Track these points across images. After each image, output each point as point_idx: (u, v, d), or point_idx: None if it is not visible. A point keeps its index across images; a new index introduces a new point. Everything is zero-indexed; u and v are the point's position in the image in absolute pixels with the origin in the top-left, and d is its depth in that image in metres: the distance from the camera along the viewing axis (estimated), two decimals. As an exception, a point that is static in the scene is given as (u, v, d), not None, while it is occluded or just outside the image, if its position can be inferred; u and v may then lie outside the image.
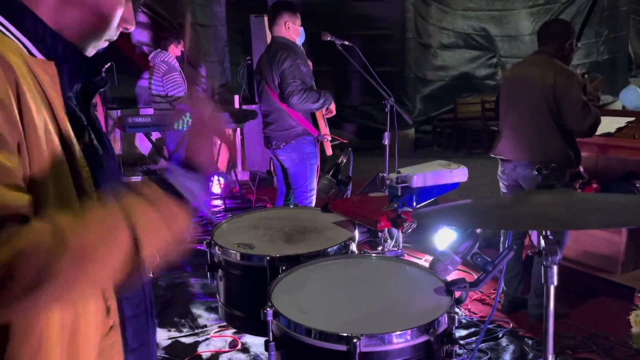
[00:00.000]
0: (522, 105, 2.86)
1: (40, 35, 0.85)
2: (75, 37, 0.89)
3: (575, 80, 2.76)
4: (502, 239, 3.15)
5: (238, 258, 1.65)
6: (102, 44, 0.94)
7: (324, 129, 3.55)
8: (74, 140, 0.85)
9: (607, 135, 3.44)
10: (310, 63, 3.53)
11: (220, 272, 1.72)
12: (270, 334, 1.32)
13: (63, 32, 0.88)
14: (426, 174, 1.69)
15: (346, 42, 3.66)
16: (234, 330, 2.81)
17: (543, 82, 2.76)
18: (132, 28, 0.96)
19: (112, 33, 0.93)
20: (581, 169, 3.71)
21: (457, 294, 1.34)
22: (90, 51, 0.93)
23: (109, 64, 5.01)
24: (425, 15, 8.87)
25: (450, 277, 1.37)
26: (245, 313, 1.65)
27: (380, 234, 1.95)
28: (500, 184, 3.12)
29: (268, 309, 1.28)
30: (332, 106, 3.54)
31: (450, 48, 9.20)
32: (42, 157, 0.78)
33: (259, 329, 1.41)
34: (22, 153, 0.75)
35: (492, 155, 3.12)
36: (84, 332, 0.85)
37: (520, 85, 2.89)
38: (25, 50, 0.84)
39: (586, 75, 2.93)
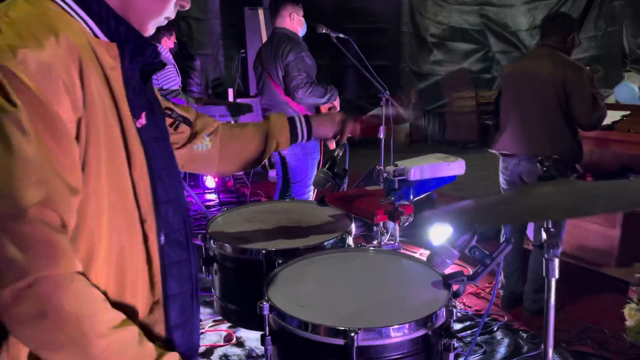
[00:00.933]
0: (530, 99, 2.84)
1: (104, 17, 0.88)
2: (138, 17, 0.92)
3: (585, 74, 2.77)
4: (502, 231, 3.15)
5: (233, 251, 1.63)
6: (162, 21, 0.97)
7: None
8: (131, 120, 0.88)
9: (602, 129, 3.44)
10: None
11: (215, 265, 1.70)
12: (267, 328, 1.30)
13: (126, 12, 0.90)
14: (423, 167, 1.67)
15: (341, 35, 3.63)
16: (229, 324, 2.80)
17: (553, 76, 2.76)
18: (188, 6, 0.98)
19: (171, 11, 0.96)
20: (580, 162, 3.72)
21: (455, 287, 1.33)
22: (151, 29, 0.96)
23: None
24: (421, 9, 8.84)
25: (447, 271, 1.36)
26: (241, 307, 1.64)
27: (375, 227, 1.94)
28: (501, 180, 3.09)
29: (264, 303, 1.26)
30: (337, 102, 3.50)
31: (445, 42, 9.18)
32: (99, 135, 0.82)
33: (255, 323, 1.39)
34: (81, 130, 0.79)
35: (492, 151, 3.09)
36: (129, 305, 0.88)
37: (527, 80, 2.86)
38: (90, 31, 0.87)
39: (587, 68, 2.94)
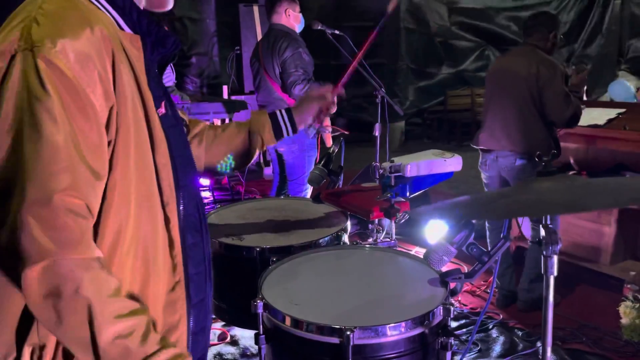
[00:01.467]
0: (506, 95, 2.87)
1: (128, 10, 0.93)
2: None
3: (558, 70, 2.78)
4: (488, 233, 3.14)
5: (227, 250, 1.60)
6: None
7: (325, 120, 3.49)
8: (154, 109, 0.92)
9: (597, 126, 3.44)
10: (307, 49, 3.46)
11: (209, 263, 1.68)
12: (261, 326, 1.28)
13: None
14: (420, 163, 1.65)
15: (336, 32, 3.60)
16: (223, 322, 2.78)
17: (527, 72, 2.79)
18: None
19: None
20: (571, 160, 3.71)
21: (452, 285, 1.31)
22: (171, 2, 1.01)
23: None
24: (417, 6, 8.82)
25: (444, 268, 1.34)
26: (235, 305, 1.62)
27: (371, 225, 1.92)
28: (482, 175, 3.12)
29: (258, 301, 1.24)
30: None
31: (442, 40, 9.17)
32: (128, 123, 0.86)
33: (249, 322, 1.37)
34: (112, 118, 0.83)
35: (473, 146, 3.11)
36: (153, 285, 0.92)
37: (505, 76, 2.90)
38: (116, 24, 0.90)
39: (574, 67, 2.96)
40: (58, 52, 0.78)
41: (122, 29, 0.92)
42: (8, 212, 0.75)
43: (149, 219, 0.91)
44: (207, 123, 1.43)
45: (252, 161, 1.51)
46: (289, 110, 1.48)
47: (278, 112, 1.47)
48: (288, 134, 1.47)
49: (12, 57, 0.78)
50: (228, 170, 1.41)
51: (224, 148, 1.40)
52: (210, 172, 1.41)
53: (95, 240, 0.83)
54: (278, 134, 1.45)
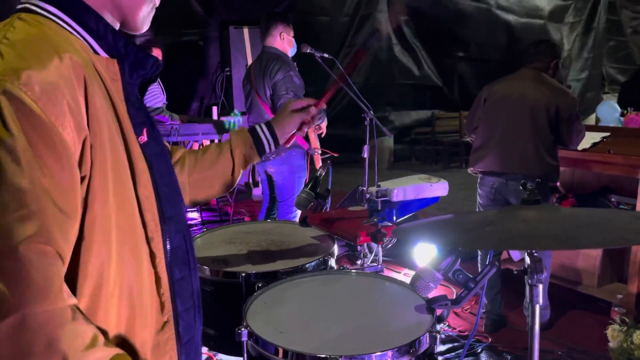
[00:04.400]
0: (519, 120, 2.88)
1: (103, 33, 0.87)
2: (129, 12, 0.91)
3: (576, 101, 2.92)
4: (480, 254, 3.13)
5: (212, 274, 1.58)
6: (151, 12, 0.95)
7: (315, 142, 3.50)
8: (134, 137, 0.87)
9: (583, 150, 3.48)
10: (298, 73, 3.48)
11: (193, 288, 1.65)
12: (245, 354, 1.26)
13: (121, 10, 0.90)
14: (406, 188, 1.65)
15: (325, 55, 3.64)
16: (207, 348, 2.73)
17: (547, 100, 2.84)
18: None
19: None
20: (557, 183, 3.75)
21: (439, 311, 1.30)
22: (144, 23, 0.95)
23: None
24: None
25: (431, 294, 1.33)
26: (219, 332, 1.59)
27: (359, 247, 1.91)
28: (481, 200, 3.09)
29: (243, 329, 1.22)
30: (324, 124, 3.49)
31: (431, 58, 9.28)
32: (105, 154, 0.81)
33: (234, 349, 1.35)
34: (85, 151, 0.78)
35: (473, 170, 3.09)
36: (140, 326, 0.87)
37: (516, 101, 2.90)
38: (90, 48, 0.85)
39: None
40: (22, 85, 0.72)
41: (97, 52, 0.86)
42: None
43: (132, 255, 0.86)
44: (186, 149, 1.37)
45: (241, 182, 1.48)
46: (269, 124, 1.42)
47: (258, 127, 1.40)
48: (270, 148, 1.41)
49: None
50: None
51: (208, 172, 1.33)
52: (196, 202, 1.34)
53: (76, 282, 0.79)
54: (260, 149, 1.39)
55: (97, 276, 0.81)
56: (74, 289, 0.79)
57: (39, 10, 0.84)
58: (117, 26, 0.93)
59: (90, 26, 0.86)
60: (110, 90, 0.85)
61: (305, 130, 1.47)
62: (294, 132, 1.44)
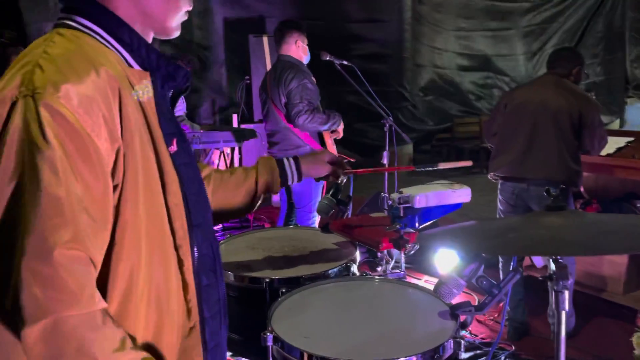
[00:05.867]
0: (542, 126, 2.86)
1: (136, 47, 0.91)
2: (158, 22, 0.94)
3: (600, 108, 2.93)
4: (501, 262, 3.10)
5: (235, 280, 1.60)
6: (184, 16, 0.98)
7: (332, 148, 3.52)
8: (165, 147, 0.90)
9: (607, 155, 3.43)
10: (313, 80, 3.50)
11: (218, 294, 1.67)
12: (270, 359, 1.27)
13: (148, 22, 0.92)
14: (428, 194, 1.66)
15: (345, 62, 3.66)
16: (231, 353, 2.75)
17: (570, 106, 2.82)
18: None
19: (187, 3, 0.96)
20: (581, 188, 3.70)
21: (462, 317, 1.30)
22: (175, 29, 0.97)
23: None
24: (422, 34, 8.96)
25: (454, 300, 1.33)
26: (244, 337, 1.60)
27: (380, 254, 1.91)
28: (501, 206, 3.07)
29: (268, 334, 1.24)
30: (340, 128, 3.50)
31: (445, 66, 9.27)
32: (137, 164, 0.84)
33: (259, 354, 1.36)
34: (118, 161, 0.81)
35: (493, 176, 3.06)
36: (168, 332, 0.89)
37: (537, 107, 2.88)
38: (124, 61, 0.89)
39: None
40: (61, 98, 0.75)
41: (130, 65, 0.90)
42: (12, 268, 0.72)
43: (161, 262, 0.88)
44: (214, 167, 1.41)
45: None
46: (296, 159, 1.47)
47: (285, 160, 1.46)
48: (293, 181, 1.45)
49: (14, 104, 0.75)
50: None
51: (231, 194, 1.36)
52: (219, 217, 1.36)
53: (107, 286, 0.81)
54: (284, 180, 1.44)
55: (126, 281, 0.83)
56: (104, 293, 0.81)
57: (75, 25, 0.88)
58: (150, 36, 0.95)
59: (124, 40, 0.90)
60: (143, 102, 0.88)
61: (332, 180, 1.53)
62: (319, 177, 1.51)
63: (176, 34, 0.98)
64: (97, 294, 0.78)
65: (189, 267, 0.92)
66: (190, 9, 0.98)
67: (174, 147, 0.93)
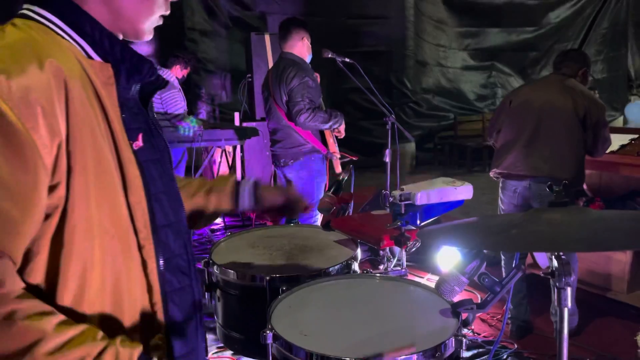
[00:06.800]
0: (546, 124, 2.85)
1: (98, 38, 0.87)
2: (130, 23, 0.91)
3: (605, 109, 2.91)
4: (503, 259, 3.09)
5: (236, 278, 1.60)
6: (158, 20, 0.95)
7: (333, 146, 3.50)
8: (126, 142, 0.86)
9: (611, 152, 3.41)
10: (317, 75, 3.48)
11: (218, 292, 1.67)
12: (270, 357, 1.26)
13: (118, 23, 0.90)
14: (430, 192, 1.65)
15: (347, 59, 3.65)
16: (233, 351, 2.74)
17: (576, 106, 2.81)
18: None
19: (162, 7, 0.94)
20: (585, 186, 3.68)
21: (464, 315, 1.29)
22: (148, 33, 0.94)
23: None
24: (424, 31, 8.93)
25: (456, 298, 1.32)
26: (244, 335, 1.60)
27: (382, 252, 1.91)
28: (503, 205, 3.05)
29: (268, 332, 1.23)
30: (342, 127, 3.48)
31: (448, 65, 9.25)
32: (86, 160, 0.80)
33: (258, 352, 1.35)
34: (61, 156, 0.78)
35: (495, 173, 3.04)
36: (129, 334, 0.85)
37: (542, 105, 2.87)
38: (83, 53, 0.86)
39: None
40: None
41: (90, 57, 0.86)
42: None
43: (121, 262, 0.85)
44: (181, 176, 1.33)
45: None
46: (257, 184, 1.38)
47: (244, 182, 1.37)
48: (244, 207, 1.36)
49: None
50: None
51: (187, 202, 1.25)
52: None
53: (56, 288, 0.79)
54: (234, 202, 1.34)
55: (78, 283, 0.80)
56: (53, 296, 0.79)
57: (33, 15, 0.85)
58: (119, 37, 0.92)
59: (85, 31, 0.86)
60: (102, 95, 0.84)
61: (278, 219, 1.47)
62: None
63: (147, 37, 0.95)
64: (15, 281, 0.76)
65: (152, 269, 0.89)
66: (166, 13, 0.95)
67: (139, 143, 0.90)
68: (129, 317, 0.86)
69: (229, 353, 2.80)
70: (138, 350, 0.81)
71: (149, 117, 0.96)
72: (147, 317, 0.89)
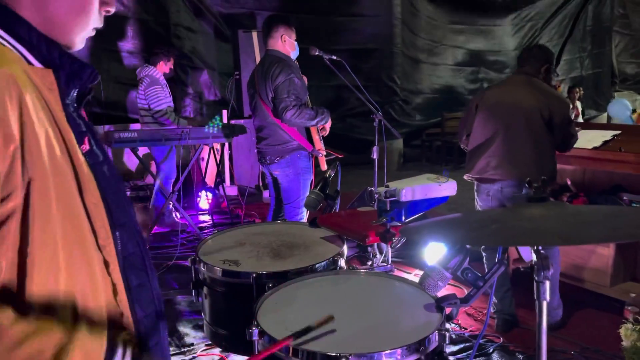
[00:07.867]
0: (514, 126, 2.86)
1: (36, 44, 0.86)
2: (63, 35, 0.89)
3: (569, 106, 2.96)
4: (484, 255, 3.12)
5: (223, 275, 1.61)
6: (91, 33, 0.94)
7: (319, 144, 3.51)
8: (76, 146, 0.86)
9: (594, 148, 3.46)
10: (305, 78, 3.49)
11: (205, 289, 1.68)
12: (256, 353, 1.27)
13: (52, 32, 0.88)
14: (415, 188, 1.67)
15: (334, 57, 3.66)
16: (220, 349, 2.75)
17: (540, 105, 2.83)
18: (113, 9, 0.95)
19: (97, 21, 0.93)
20: (568, 181, 3.73)
21: (448, 310, 1.31)
22: (79, 43, 0.93)
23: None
24: (413, 28, 8.96)
25: (440, 293, 1.34)
26: (231, 332, 1.61)
27: (369, 248, 1.92)
28: (479, 207, 3.08)
29: (254, 328, 1.24)
30: (327, 124, 3.49)
31: (436, 62, 9.30)
32: (43, 165, 0.79)
33: (245, 349, 1.36)
34: (16, 162, 0.76)
35: (469, 177, 3.06)
36: (97, 335, 0.85)
37: (509, 107, 2.89)
38: (23, 59, 0.84)
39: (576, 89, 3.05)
40: None
41: (30, 63, 0.85)
42: None
43: (84, 265, 0.84)
44: None
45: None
46: None
47: None
48: None
49: None
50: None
51: None
52: None
53: (23, 297, 0.78)
54: None
55: (44, 290, 0.79)
56: (20, 300, 0.78)
57: None
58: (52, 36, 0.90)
59: (21, 36, 0.85)
60: (48, 101, 0.83)
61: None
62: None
63: (79, 47, 0.93)
64: None
65: (115, 268, 0.89)
66: (99, 27, 0.94)
67: (85, 146, 0.90)
68: (97, 317, 0.86)
69: (217, 350, 2.81)
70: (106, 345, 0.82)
71: (86, 120, 0.96)
72: (113, 316, 0.89)
